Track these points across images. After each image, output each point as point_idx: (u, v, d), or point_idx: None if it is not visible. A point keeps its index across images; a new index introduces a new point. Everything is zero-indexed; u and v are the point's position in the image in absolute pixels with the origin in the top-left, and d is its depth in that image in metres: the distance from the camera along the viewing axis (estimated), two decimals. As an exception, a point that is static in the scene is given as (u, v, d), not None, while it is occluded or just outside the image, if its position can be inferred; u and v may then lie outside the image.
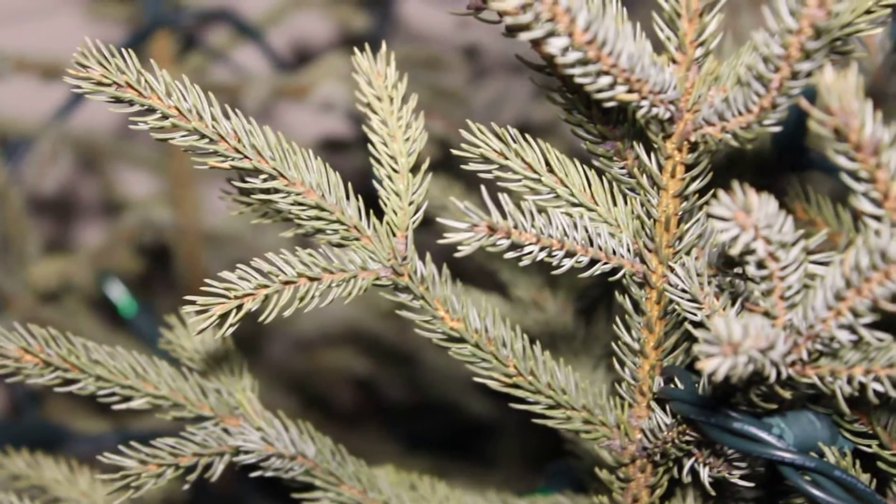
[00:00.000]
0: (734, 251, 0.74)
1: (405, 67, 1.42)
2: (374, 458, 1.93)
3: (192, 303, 0.86)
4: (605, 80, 0.78)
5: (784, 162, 1.10)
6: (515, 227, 0.83)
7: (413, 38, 2.04)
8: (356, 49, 0.92)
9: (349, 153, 1.87)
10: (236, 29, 1.74)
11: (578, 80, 0.78)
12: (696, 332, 0.73)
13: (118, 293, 1.86)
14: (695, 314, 0.85)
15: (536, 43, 0.76)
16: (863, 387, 0.77)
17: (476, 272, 1.27)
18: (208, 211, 1.90)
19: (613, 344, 0.92)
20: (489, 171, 0.89)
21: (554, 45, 0.75)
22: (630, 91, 0.79)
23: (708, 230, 0.87)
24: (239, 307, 0.87)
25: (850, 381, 0.78)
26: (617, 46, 0.77)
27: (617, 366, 0.93)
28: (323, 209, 0.89)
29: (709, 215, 0.79)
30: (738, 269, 0.83)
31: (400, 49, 1.78)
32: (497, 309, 0.94)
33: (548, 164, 0.89)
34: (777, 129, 0.80)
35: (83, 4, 1.87)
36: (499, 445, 1.96)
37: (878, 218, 0.75)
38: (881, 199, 0.75)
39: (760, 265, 0.76)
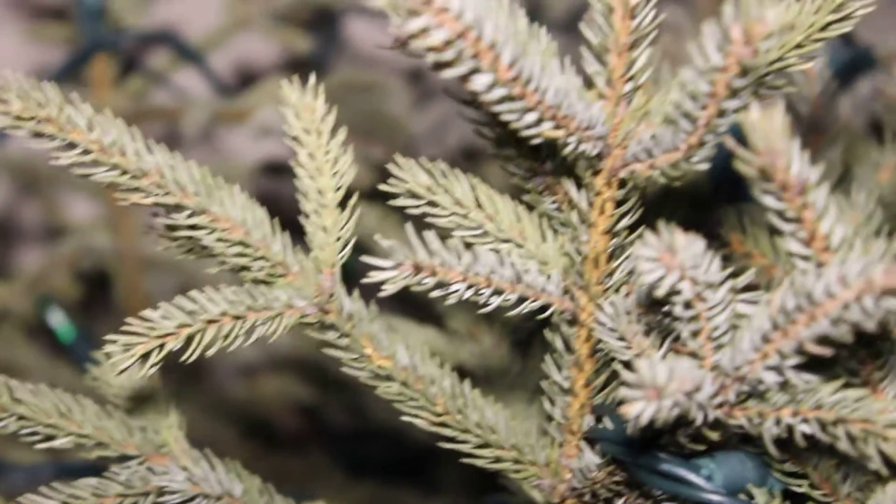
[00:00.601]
0: (660, 292, 0.73)
1: (347, 92, 1.41)
2: (318, 484, 1.92)
3: (113, 341, 0.84)
4: (530, 117, 0.77)
5: (720, 194, 1.10)
6: (442, 264, 0.82)
7: (358, 60, 2.02)
8: (286, 80, 0.90)
9: (290, 177, 1.85)
10: (177, 51, 1.72)
11: (504, 117, 0.77)
12: (623, 374, 0.72)
13: (57, 319, 1.83)
14: (623, 353, 0.83)
15: (461, 79, 0.75)
16: (791, 428, 0.76)
17: (412, 303, 1.25)
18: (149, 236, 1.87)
19: (543, 382, 0.91)
20: (417, 207, 0.88)
21: (478, 82, 0.73)
22: (557, 127, 0.78)
23: (638, 268, 0.86)
24: (161, 346, 0.85)
25: (778, 422, 0.77)
26: (543, 83, 0.76)
27: (547, 404, 0.91)
28: (248, 245, 0.87)
29: (634, 255, 0.77)
30: (665, 309, 0.82)
31: (343, 73, 1.77)
32: (427, 346, 0.93)
33: (477, 199, 0.87)
34: (705, 166, 0.79)
35: (21, 26, 1.85)
36: (442, 472, 1.95)
37: (805, 258, 0.74)
38: (808, 239, 0.74)
39: (687, 306, 0.75)
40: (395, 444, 1.93)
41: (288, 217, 0.91)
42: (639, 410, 0.70)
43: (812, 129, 1.20)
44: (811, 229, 0.73)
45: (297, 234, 0.90)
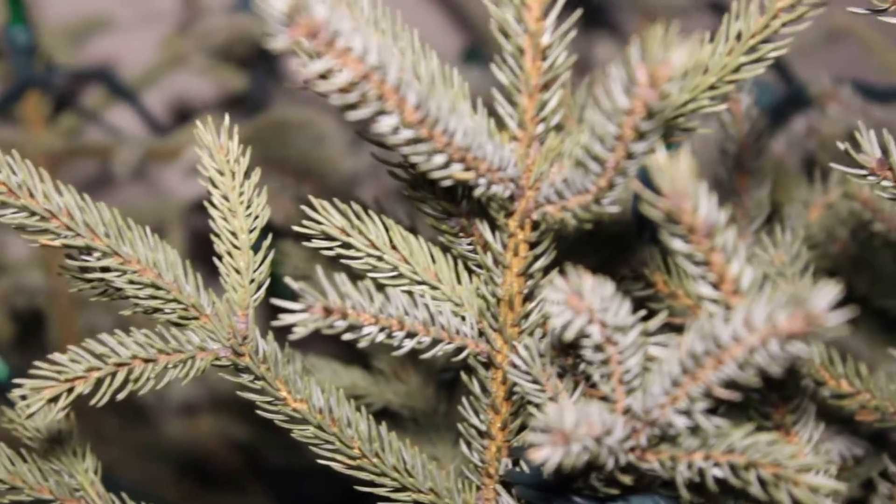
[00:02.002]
0: (568, 335, 0.72)
1: (283, 130, 1.40)
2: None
3: (20, 385, 0.83)
4: (439, 159, 0.76)
5: (644, 233, 1.09)
6: (353, 307, 0.81)
7: (297, 97, 2.02)
8: (199, 123, 0.89)
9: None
10: (111, 89, 1.71)
11: (412, 159, 0.76)
12: (531, 418, 0.71)
13: (-10, 358, 1.81)
14: (537, 396, 0.83)
15: (368, 120, 0.74)
16: (703, 472, 0.76)
17: (339, 342, 1.24)
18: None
19: (460, 425, 0.90)
20: (331, 248, 0.87)
21: (384, 124, 0.73)
22: (467, 169, 0.78)
23: (547, 311, 0.85)
24: (70, 390, 0.84)
25: (690, 466, 0.76)
26: (451, 124, 0.75)
27: (464, 447, 0.91)
28: (159, 288, 0.86)
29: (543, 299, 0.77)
30: (577, 352, 0.82)
31: (279, 110, 1.76)
32: (349, 387, 0.92)
33: (391, 241, 0.87)
34: (615, 208, 0.78)
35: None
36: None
37: (715, 301, 0.74)
38: (717, 282, 0.73)
39: (598, 349, 0.75)
40: (332, 482, 1.91)
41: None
42: (546, 455, 0.69)
43: (739, 169, 1.20)
44: (720, 272, 0.73)
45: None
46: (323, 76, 0.69)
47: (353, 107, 0.72)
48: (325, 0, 0.67)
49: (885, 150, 0.94)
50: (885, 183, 0.95)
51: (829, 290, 0.65)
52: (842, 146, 0.95)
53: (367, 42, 0.69)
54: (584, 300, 0.72)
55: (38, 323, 1.87)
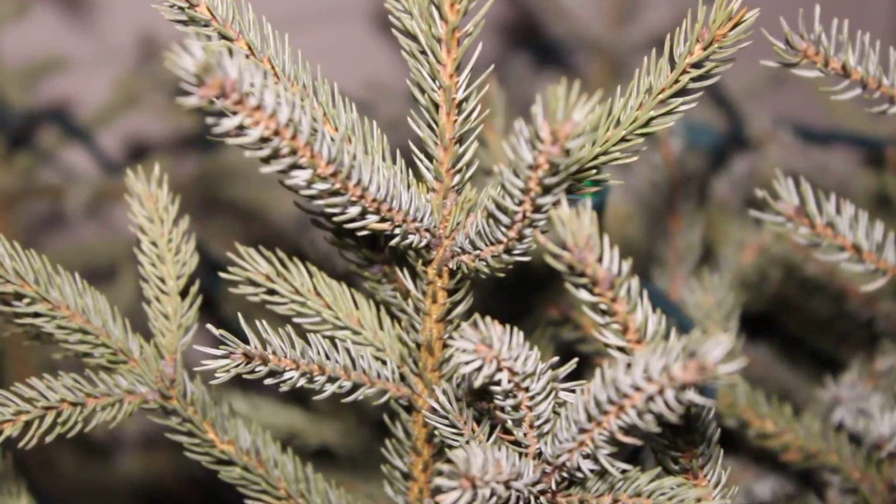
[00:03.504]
0: (477, 383, 0.75)
1: (231, 171, 1.42)
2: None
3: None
4: (354, 210, 0.78)
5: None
6: (273, 353, 0.83)
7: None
8: (129, 172, 0.91)
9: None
10: (65, 129, 1.73)
11: (328, 211, 0.78)
12: (439, 464, 0.73)
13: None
14: (455, 440, 0.85)
15: (282, 173, 0.76)
16: (610, 516, 0.78)
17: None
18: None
19: (383, 467, 0.92)
20: (256, 294, 0.89)
21: (298, 177, 0.75)
22: (382, 220, 0.80)
23: (456, 359, 0.87)
24: (-1, 432, 0.86)
25: (598, 509, 0.78)
26: (365, 177, 0.77)
27: (388, 488, 0.92)
28: (87, 332, 0.88)
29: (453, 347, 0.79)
30: (492, 398, 0.84)
31: (230, 151, 1.77)
32: (269, 431, 0.94)
33: (315, 288, 0.89)
34: (526, 259, 0.80)
35: None
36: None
37: (620, 349, 0.76)
38: (622, 330, 0.76)
39: (508, 395, 0.77)
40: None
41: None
42: (454, 499, 0.71)
43: (671, 211, 1.22)
44: (623, 322, 0.75)
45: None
46: (235, 133, 0.71)
47: (267, 160, 0.74)
48: (236, 59, 0.69)
49: (802, 199, 0.97)
50: (802, 230, 0.98)
51: (722, 342, 0.67)
52: (760, 194, 0.98)
53: (278, 99, 0.71)
54: (492, 349, 0.74)
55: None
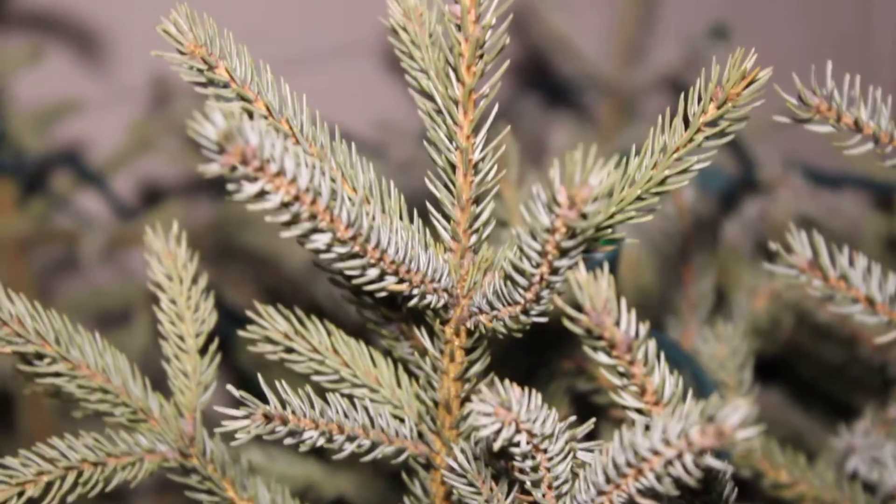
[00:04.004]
0: (496, 445, 0.75)
1: (244, 217, 1.42)
2: None
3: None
4: (373, 272, 0.79)
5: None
6: (293, 413, 0.83)
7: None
8: (148, 229, 0.92)
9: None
10: (78, 174, 1.74)
11: (347, 273, 0.79)
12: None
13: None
14: (473, 499, 0.85)
15: (302, 237, 0.77)
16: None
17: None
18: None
19: (401, 524, 0.93)
20: (275, 353, 0.90)
21: (317, 241, 0.75)
22: (400, 281, 0.80)
23: (475, 422, 0.88)
24: (21, 493, 0.86)
25: (616, 570, 0.78)
26: (384, 239, 0.78)
27: (406, 545, 0.93)
28: (108, 392, 0.89)
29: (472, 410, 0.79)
30: (510, 457, 0.84)
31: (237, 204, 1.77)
32: (288, 487, 0.94)
33: (333, 346, 0.89)
34: (544, 319, 0.81)
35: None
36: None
37: (639, 411, 0.77)
38: (639, 392, 0.76)
39: (527, 456, 0.77)
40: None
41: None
42: (473, 562, 0.71)
43: (684, 260, 1.23)
44: (641, 384, 0.76)
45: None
46: (255, 199, 0.72)
47: (287, 225, 0.75)
48: (256, 126, 0.70)
49: (815, 251, 0.97)
50: (815, 283, 0.98)
51: (740, 408, 0.68)
52: (773, 247, 0.98)
53: (298, 165, 0.72)
54: (511, 411, 0.74)
55: (9, 405, 1.88)
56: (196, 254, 0.93)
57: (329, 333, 0.89)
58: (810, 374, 1.35)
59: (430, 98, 0.83)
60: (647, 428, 0.72)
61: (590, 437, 0.83)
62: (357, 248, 0.77)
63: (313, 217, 0.74)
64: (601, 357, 0.75)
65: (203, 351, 0.91)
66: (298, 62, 2.04)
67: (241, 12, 1.97)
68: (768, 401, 1.37)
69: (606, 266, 0.75)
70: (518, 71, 2.23)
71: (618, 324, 0.73)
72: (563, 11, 2.08)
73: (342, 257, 0.77)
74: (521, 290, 0.79)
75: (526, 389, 0.76)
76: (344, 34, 2.03)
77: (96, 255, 1.68)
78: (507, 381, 0.75)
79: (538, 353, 1.12)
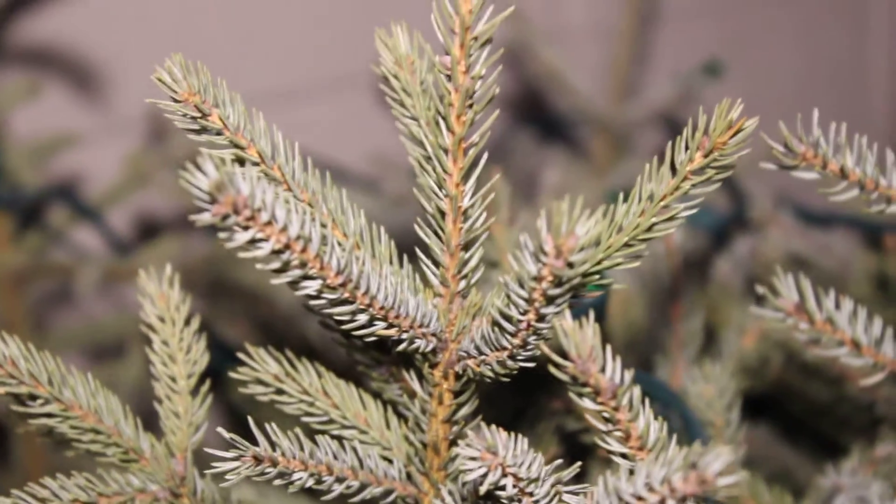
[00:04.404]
0: (482, 489, 0.76)
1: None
2: None
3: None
4: (362, 318, 0.80)
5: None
6: (282, 455, 0.84)
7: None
8: (142, 272, 0.93)
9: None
10: (74, 208, 1.75)
11: (336, 318, 0.80)
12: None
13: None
14: (461, 540, 0.86)
15: (292, 284, 0.78)
16: None
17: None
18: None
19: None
20: (265, 395, 0.91)
21: (308, 288, 0.77)
22: (389, 327, 0.82)
23: (461, 466, 0.89)
24: (12, 532, 0.87)
25: None
26: (373, 286, 0.79)
27: (394, 584, 0.94)
28: (100, 432, 0.90)
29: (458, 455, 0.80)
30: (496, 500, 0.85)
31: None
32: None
33: (323, 388, 0.91)
34: (531, 364, 0.82)
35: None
36: None
37: (623, 456, 0.78)
38: (624, 438, 0.77)
39: (513, 500, 0.78)
40: None
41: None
42: None
43: (673, 299, 1.24)
44: (625, 429, 0.77)
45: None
46: (249, 245, 0.73)
47: (278, 272, 0.76)
48: (248, 175, 0.71)
49: (801, 295, 0.99)
50: (802, 325, 1.00)
51: (722, 455, 0.69)
52: (760, 290, 0.99)
53: (288, 213, 0.73)
54: (497, 456, 0.75)
55: (5, 439, 1.89)
56: (188, 296, 0.94)
57: (319, 375, 0.91)
58: (799, 412, 1.36)
59: (421, 145, 0.85)
60: (632, 473, 0.73)
61: (578, 477, 0.84)
62: (347, 295, 0.78)
63: (303, 264, 0.75)
64: (587, 403, 0.76)
65: (195, 392, 0.93)
66: (296, 94, 2.06)
67: (240, 45, 1.99)
68: (757, 438, 1.38)
69: (592, 313, 0.76)
70: (512, 106, 2.25)
71: (603, 371, 0.75)
72: (556, 47, 2.09)
73: (332, 303, 0.79)
74: (509, 336, 0.80)
75: (512, 434, 0.77)
76: (341, 67, 2.05)
77: (91, 289, 1.70)
78: (493, 426, 0.76)
79: (527, 393, 1.13)
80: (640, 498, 0.72)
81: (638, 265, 1.20)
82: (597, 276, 0.86)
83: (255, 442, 0.83)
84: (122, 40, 1.88)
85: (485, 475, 0.76)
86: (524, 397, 1.14)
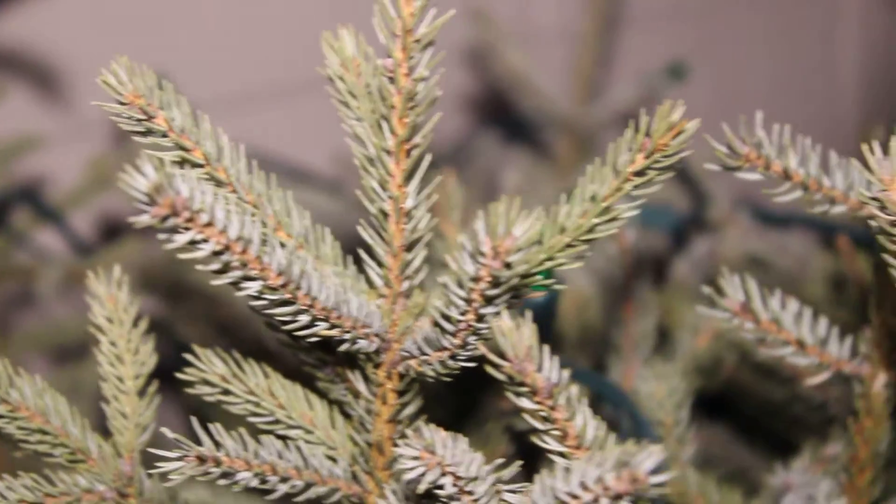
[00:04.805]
0: (420, 488, 0.77)
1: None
2: None
3: None
4: (304, 318, 0.81)
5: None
6: (226, 454, 0.85)
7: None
8: (91, 274, 0.94)
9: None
10: (36, 211, 1.75)
11: (278, 318, 0.81)
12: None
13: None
14: (404, 539, 0.87)
15: (234, 284, 0.78)
16: None
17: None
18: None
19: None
20: (212, 395, 0.92)
21: (250, 288, 0.77)
22: (332, 327, 0.82)
23: (400, 465, 0.89)
24: (-43, 533, 0.88)
25: None
26: (314, 287, 0.80)
27: (340, 585, 0.94)
28: (47, 433, 0.90)
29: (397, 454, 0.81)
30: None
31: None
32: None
33: (269, 388, 0.91)
34: (472, 364, 0.83)
35: None
36: None
37: (561, 454, 0.79)
38: (561, 437, 0.78)
39: (452, 498, 0.79)
40: None
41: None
42: None
43: (626, 299, 1.25)
44: (563, 428, 0.78)
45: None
46: (186, 248, 0.74)
47: (219, 273, 0.77)
48: (187, 177, 0.72)
49: (747, 295, 1.00)
50: (748, 326, 1.01)
51: (653, 454, 0.70)
52: (706, 290, 1.00)
53: (229, 214, 0.74)
54: (435, 455, 0.76)
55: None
56: (148, 297, 0.95)
57: (266, 376, 0.91)
58: (753, 411, 1.37)
59: (365, 146, 0.85)
60: (568, 472, 0.74)
61: (529, 476, 0.85)
62: (288, 295, 0.79)
63: (244, 265, 0.76)
64: (524, 402, 0.77)
65: (142, 392, 0.93)
66: (261, 97, 2.06)
67: (204, 49, 1.99)
68: (713, 437, 1.39)
69: (531, 313, 0.77)
70: (477, 107, 2.26)
71: (539, 370, 0.76)
72: (524, 49, 2.10)
73: (274, 304, 0.79)
74: (449, 337, 0.81)
75: (453, 433, 0.78)
76: (305, 69, 2.05)
77: (53, 291, 1.70)
78: (433, 426, 0.77)
79: (477, 392, 1.14)
80: (574, 496, 0.73)
81: (597, 265, 1.21)
82: (539, 277, 0.87)
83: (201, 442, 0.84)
84: (85, 43, 1.88)
85: (423, 474, 0.76)
86: (473, 397, 1.15)
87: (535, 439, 0.82)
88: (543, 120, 2.12)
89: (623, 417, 1.10)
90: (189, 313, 1.63)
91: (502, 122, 2.18)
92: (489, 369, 0.76)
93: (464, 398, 1.15)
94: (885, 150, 0.86)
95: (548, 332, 1.09)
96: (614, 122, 2.12)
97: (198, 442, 0.84)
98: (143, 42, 1.91)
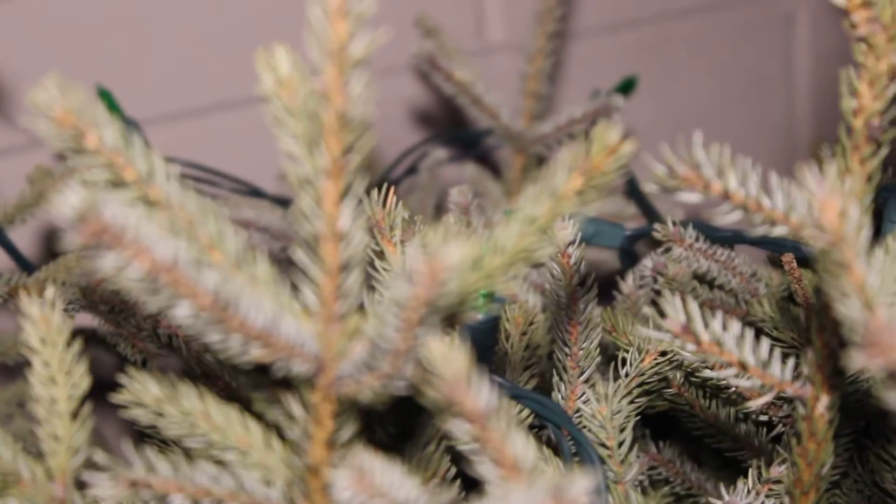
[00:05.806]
0: (354, 513, 0.76)
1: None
2: None
3: None
4: (235, 340, 0.80)
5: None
6: (158, 478, 0.84)
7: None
8: (23, 294, 0.92)
9: (92, 346, 1.85)
10: (-23, 226, 1.73)
11: (209, 340, 0.79)
12: None
13: None
14: (339, 564, 0.86)
15: (163, 307, 0.77)
16: None
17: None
18: None
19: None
20: (145, 417, 0.90)
21: (179, 310, 0.76)
22: (265, 348, 0.81)
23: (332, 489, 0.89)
24: None
25: None
26: (245, 307, 0.79)
27: None
28: (-24, 456, 0.89)
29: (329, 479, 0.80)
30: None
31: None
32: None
33: (204, 410, 0.90)
34: (406, 391, 0.82)
35: None
36: None
37: (495, 480, 0.78)
38: (497, 462, 0.77)
39: (386, 523, 0.78)
40: None
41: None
42: None
43: (570, 320, 1.24)
44: (498, 454, 0.77)
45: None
46: (115, 272, 0.73)
47: (148, 295, 0.75)
48: (115, 199, 0.71)
49: (688, 316, 0.99)
50: (689, 347, 1.00)
51: (583, 481, 0.69)
52: (647, 311, 1.00)
53: (157, 236, 0.73)
54: (366, 480, 0.75)
55: None
56: (71, 319, 0.93)
57: (202, 398, 0.90)
58: (699, 431, 1.37)
59: (300, 165, 0.84)
60: (502, 498, 0.73)
61: (471, 498, 0.84)
62: (219, 316, 0.78)
63: (173, 287, 0.75)
64: (457, 427, 0.76)
65: (75, 414, 0.92)
66: (203, 112, 2.05)
67: (153, 62, 1.98)
68: (657, 458, 1.38)
69: (466, 336, 0.76)
70: (427, 122, 2.25)
71: (473, 393, 0.75)
72: (478, 64, 2.10)
73: (205, 325, 0.78)
74: (385, 359, 0.80)
75: (388, 457, 0.77)
76: (248, 86, 2.05)
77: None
78: (365, 450, 0.76)
79: (416, 414, 1.13)
80: (508, 522, 0.72)
81: (544, 284, 1.20)
82: (479, 298, 0.86)
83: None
84: (31, 54, 1.87)
85: (357, 499, 0.76)
86: (415, 418, 1.14)
87: (470, 464, 0.81)
88: (493, 135, 2.12)
89: (564, 440, 1.10)
90: (134, 330, 1.61)
91: (454, 137, 2.18)
92: (423, 393, 0.75)
93: (405, 420, 1.15)
94: (822, 170, 0.85)
95: (489, 353, 1.08)
96: (564, 138, 2.12)
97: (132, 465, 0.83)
98: (92, 56, 1.90)
